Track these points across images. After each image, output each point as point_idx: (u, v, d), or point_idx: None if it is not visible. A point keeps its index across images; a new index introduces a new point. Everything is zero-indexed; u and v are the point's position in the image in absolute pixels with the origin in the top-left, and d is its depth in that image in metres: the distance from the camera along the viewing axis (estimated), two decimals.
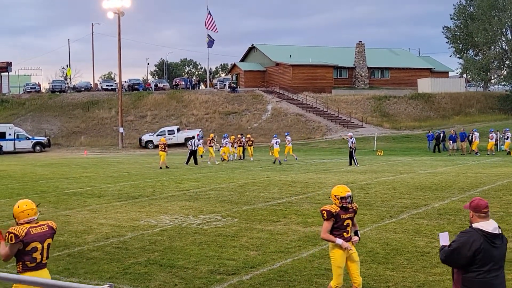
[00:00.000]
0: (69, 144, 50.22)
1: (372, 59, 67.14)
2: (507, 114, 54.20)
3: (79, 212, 13.41)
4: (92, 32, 74.61)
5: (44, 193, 17.40)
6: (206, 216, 12.53)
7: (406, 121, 52.63)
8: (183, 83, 64.32)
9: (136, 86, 62.88)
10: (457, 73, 71.50)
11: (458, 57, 67.75)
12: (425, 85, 61.43)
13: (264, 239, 9.92)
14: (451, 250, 4.50)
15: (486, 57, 62.91)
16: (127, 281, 7.54)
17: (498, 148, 34.75)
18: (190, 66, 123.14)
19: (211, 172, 24.47)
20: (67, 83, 68.99)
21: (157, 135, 46.87)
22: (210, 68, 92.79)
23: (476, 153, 33.23)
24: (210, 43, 62.06)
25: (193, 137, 30.25)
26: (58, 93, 60.80)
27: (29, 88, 62.74)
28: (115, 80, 74.89)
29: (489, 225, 4.50)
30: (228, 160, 31.78)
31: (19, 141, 46.35)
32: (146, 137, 48.20)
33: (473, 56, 66.76)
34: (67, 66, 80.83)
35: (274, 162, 28.74)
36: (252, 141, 33.66)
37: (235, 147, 33.38)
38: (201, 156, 32.53)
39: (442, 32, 68.70)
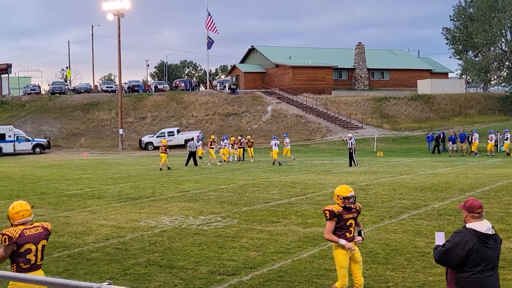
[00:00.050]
0: (69, 146, 50.23)
1: (372, 60, 67.19)
2: (507, 115, 54.22)
3: (79, 213, 13.40)
4: (92, 34, 74.71)
5: (44, 194, 17.39)
6: (206, 217, 12.53)
7: (406, 122, 52.65)
8: (183, 84, 64.36)
9: (136, 88, 62.93)
10: (457, 74, 71.57)
11: (458, 58, 67.83)
12: (425, 86, 61.47)
13: (264, 240, 9.92)
14: (445, 250, 4.52)
15: (485, 58, 62.94)
16: (127, 281, 7.53)
17: (498, 149, 34.76)
18: (190, 67, 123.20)
19: (211, 173, 24.47)
20: (67, 85, 69.07)
21: (157, 137, 46.91)
22: (210, 70, 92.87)
23: (476, 154, 33.25)
24: (209, 44, 62.13)
25: (192, 139, 30.23)
26: (58, 94, 60.84)
27: (29, 89, 62.80)
28: (115, 82, 74.91)
29: (483, 226, 4.52)
30: (227, 162, 31.79)
31: (19, 142, 46.38)
32: (146, 139, 48.21)
33: (472, 57, 66.81)
34: (67, 67, 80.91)
35: (273, 164, 28.73)
36: (252, 142, 33.67)
37: (235, 149, 33.40)
38: (200, 157, 32.54)
39: (442, 33, 68.84)
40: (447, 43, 68.59)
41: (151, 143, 47.25)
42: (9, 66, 61.90)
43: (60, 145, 50.49)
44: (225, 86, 62.82)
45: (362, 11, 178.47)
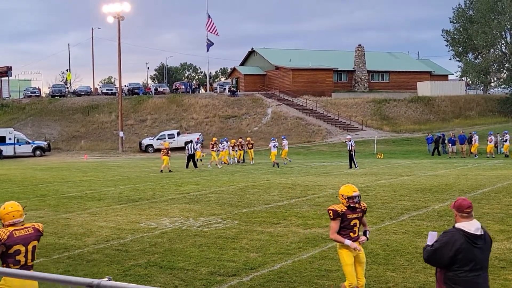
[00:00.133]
0: (69, 148, 50.24)
1: (372, 63, 67.24)
2: (507, 117, 54.20)
3: (79, 215, 13.40)
4: (92, 37, 74.78)
5: (44, 196, 17.39)
6: (206, 218, 12.52)
7: (406, 124, 52.64)
8: (183, 87, 64.39)
9: (136, 90, 62.96)
10: (456, 76, 71.54)
11: (458, 60, 67.79)
12: (425, 88, 61.49)
13: (264, 241, 9.92)
14: (433, 250, 4.56)
15: (485, 60, 62.95)
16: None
17: (498, 151, 34.76)
18: (190, 70, 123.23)
19: (211, 175, 24.47)
20: (67, 88, 69.07)
21: (157, 139, 46.95)
22: (210, 72, 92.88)
23: (475, 156, 33.25)
24: (208, 46, 62.22)
25: (191, 141, 30.23)
26: (58, 97, 60.86)
27: (29, 92, 62.83)
28: (115, 85, 75.00)
29: (471, 226, 4.54)
30: (228, 164, 31.79)
31: (19, 145, 46.39)
32: (146, 141, 48.22)
33: (472, 59, 66.80)
34: (67, 70, 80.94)
35: (273, 166, 28.73)
36: (252, 144, 33.68)
37: (236, 151, 33.42)
38: (200, 160, 32.52)
39: (442, 35, 68.78)
40: (446, 45, 68.60)
41: (151, 145, 47.27)
42: (9, 69, 61.96)
43: (60, 147, 50.50)
44: (225, 89, 62.87)
45: (362, 13, 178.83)
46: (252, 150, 33.28)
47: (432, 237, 4.75)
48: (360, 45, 67.06)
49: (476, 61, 65.76)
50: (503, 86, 64.14)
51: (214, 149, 30.67)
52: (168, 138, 45.93)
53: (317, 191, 17.15)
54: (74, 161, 40.39)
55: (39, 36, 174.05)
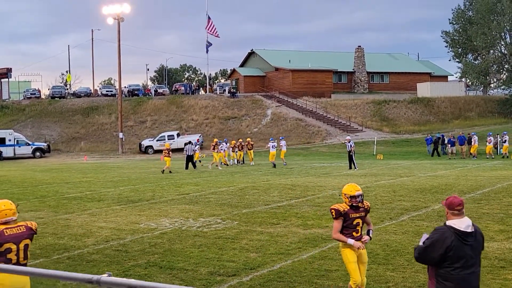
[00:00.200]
0: (69, 150, 50.24)
1: (372, 64, 67.28)
2: (506, 118, 54.24)
3: (79, 216, 13.40)
4: (92, 38, 74.81)
5: (44, 197, 17.38)
6: (206, 219, 12.52)
7: (406, 125, 52.67)
8: (182, 88, 64.40)
9: (136, 92, 62.96)
10: (456, 77, 71.58)
11: (457, 61, 67.83)
12: (424, 89, 61.52)
13: (264, 241, 9.92)
14: (425, 247, 4.59)
15: (485, 61, 62.98)
16: None
17: (498, 152, 34.78)
18: (190, 71, 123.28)
19: (211, 176, 24.47)
20: (67, 89, 69.07)
21: (157, 140, 46.95)
22: (210, 74, 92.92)
23: (474, 157, 33.27)
24: (207, 46, 62.27)
25: (189, 142, 30.24)
26: (58, 99, 60.86)
27: (29, 94, 62.80)
28: (115, 86, 75.00)
29: (462, 223, 4.56)
30: (228, 165, 31.81)
31: (19, 146, 46.38)
32: (146, 142, 48.23)
33: (472, 60, 66.83)
34: (67, 72, 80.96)
35: (274, 166, 28.73)
36: (251, 145, 33.70)
37: (236, 152, 33.44)
38: (200, 161, 32.51)
39: (441, 36, 68.84)
40: (446, 46, 68.64)
41: (151, 146, 47.28)
42: (9, 70, 61.93)
43: (60, 149, 50.50)
44: (225, 90, 62.89)
45: (362, 14, 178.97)
46: (252, 151, 33.30)
47: (425, 238, 4.79)
48: (360, 46, 67.11)
49: (476, 62, 65.79)
50: (502, 87, 64.19)
51: (216, 150, 30.68)
52: (168, 139, 45.94)
53: (317, 192, 17.16)
54: (74, 162, 40.39)
55: (39, 38, 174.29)
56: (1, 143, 45.54)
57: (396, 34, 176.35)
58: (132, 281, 2.60)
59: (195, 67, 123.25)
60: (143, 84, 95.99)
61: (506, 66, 63.52)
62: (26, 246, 5.19)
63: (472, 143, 34.09)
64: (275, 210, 13.60)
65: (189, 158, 28.98)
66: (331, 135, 49.86)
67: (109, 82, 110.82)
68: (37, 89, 67.95)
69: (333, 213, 6.17)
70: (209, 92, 65.45)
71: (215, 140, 32.71)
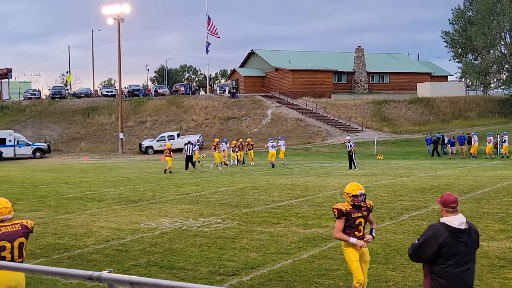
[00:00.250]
0: (69, 150, 50.25)
1: (372, 64, 67.28)
2: (506, 117, 54.24)
3: (79, 216, 13.41)
4: (92, 39, 74.82)
5: (45, 197, 17.39)
6: (206, 218, 12.53)
7: (406, 125, 52.68)
8: (183, 88, 64.41)
9: (136, 92, 62.98)
10: (456, 77, 71.59)
11: (457, 62, 67.83)
12: (424, 89, 61.52)
13: (264, 241, 9.92)
14: (419, 244, 4.62)
15: (485, 61, 62.99)
16: None
17: (498, 152, 34.79)
18: (190, 72, 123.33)
19: (211, 176, 24.48)
20: (67, 90, 69.09)
21: (157, 141, 46.97)
22: (210, 74, 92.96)
23: (474, 157, 33.28)
24: (206, 46, 62.30)
25: (189, 142, 30.25)
26: (58, 99, 60.88)
27: (29, 94, 62.82)
28: (115, 86, 75.03)
29: (456, 220, 4.58)
30: (227, 165, 31.81)
31: (19, 147, 46.40)
32: (146, 143, 48.24)
33: (472, 60, 66.83)
34: (67, 72, 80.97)
35: (273, 167, 28.74)
36: (251, 145, 33.71)
37: (236, 152, 33.45)
38: (199, 161, 32.51)
39: (441, 36, 68.83)
40: (446, 46, 68.63)
41: (151, 147, 47.30)
42: (9, 71, 61.92)
43: (60, 149, 50.52)
44: (225, 90, 62.90)
45: (362, 15, 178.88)
46: (252, 151, 33.31)
47: None
48: (360, 46, 67.13)
49: (476, 62, 65.79)
50: (502, 87, 64.20)
51: (217, 150, 30.68)
52: (168, 139, 45.94)
53: (317, 192, 17.16)
54: (74, 162, 40.40)
55: (39, 38, 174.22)
56: (1, 143, 45.56)
57: (396, 34, 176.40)
58: (133, 277, 2.60)
59: (195, 68, 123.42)
60: (143, 84, 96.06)
61: (506, 66, 63.52)
62: (21, 244, 5.19)
63: (472, 143, 34.11)
64: (275, 210, 13.60)
65: (188, 158, 29.00)
66: (331, 135, 49.87)
67: (109, 83, 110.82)
68: (37, 89, 67.96)
69: (335, 213, 6.15)
70: (209, 92, 65.46)
71: (216, 140, 32.71)
